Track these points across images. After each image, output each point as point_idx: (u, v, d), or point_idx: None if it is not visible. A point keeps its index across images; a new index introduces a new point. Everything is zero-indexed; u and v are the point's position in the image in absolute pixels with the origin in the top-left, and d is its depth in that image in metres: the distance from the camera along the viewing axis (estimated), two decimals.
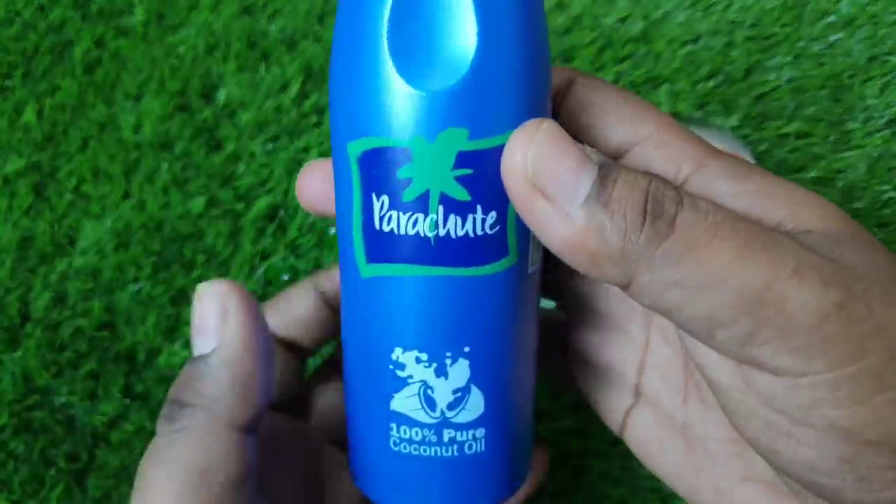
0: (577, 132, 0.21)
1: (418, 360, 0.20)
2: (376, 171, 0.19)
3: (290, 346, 0.25)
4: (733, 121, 0.45)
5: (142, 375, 0.39)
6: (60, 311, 0.40)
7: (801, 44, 0.48)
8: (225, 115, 0.46)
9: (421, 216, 0.19)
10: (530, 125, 0.18)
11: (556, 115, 0.22)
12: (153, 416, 0.39)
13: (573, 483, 0.38)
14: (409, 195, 0.19)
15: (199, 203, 0.43)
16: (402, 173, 0.19)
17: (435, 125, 0.18)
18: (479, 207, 0.19)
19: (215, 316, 0.20)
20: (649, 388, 0.23)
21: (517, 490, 0.23)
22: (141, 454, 0.38)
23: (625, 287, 0.18)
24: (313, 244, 0.42)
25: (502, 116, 0.19)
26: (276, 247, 0.42)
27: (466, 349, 0.20)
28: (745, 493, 0.21)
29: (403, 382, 0.21)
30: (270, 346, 0.21)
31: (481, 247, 0.19)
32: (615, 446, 0.38)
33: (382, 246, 0.20)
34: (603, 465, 0.38)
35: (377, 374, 0.21)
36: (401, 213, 0.19)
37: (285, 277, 0.41)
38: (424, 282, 0.20)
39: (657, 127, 0.21)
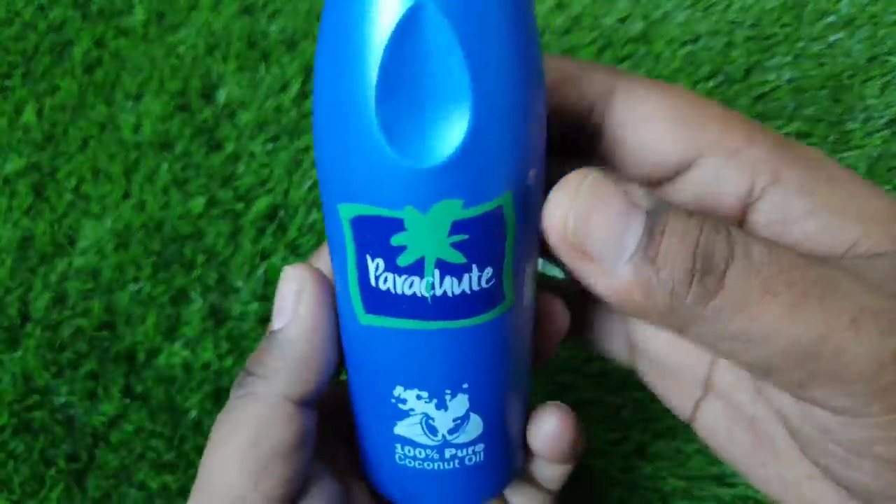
0: (629, 154, 0.20)
1: (419, 397, 0.21)
2: (370, 236, 0.18)
3: None
4: None
5: (141, 375, 0.39)
6: (60, 311, 0.40)
7: (801, 44, 0.48)
8: (225, 114, 0.46)
9: (417, 279, 0.19)
10: (573, 180, 0.17)
11: (598, 133, 0.21)
12: (153, 416, 0.39)
13: (573, 482, 0.38)
14: (403, 261, 0.18)
15: (199, 203, 0.43)
16: (395, 241, 0.18)
17: (428, 198, 0.18)
18: (474, 267, 0.19)
19: (292, 296, 0.21)
20: (721, 382, 0.23)
21: (512, 479, 0.25)
22: (141, 454, 0.38)
23: (677, 334, 0.18)
24: (313, 244, 0.42)
25: (498, 182, 0.18)
26: (276, 247, 0.42)
27: (465, 386, 0.21)
28: (813, 489, 0.21)
29: (406, 414, 0.21)
30: (336, 327, 0.21)
31: (477, 300, 0.19)
32: (615, 446, 0.38)
33: (379, 301, 0.19)
34: (603, 465, 0.38)
35: (381, 405, 0.22)
36: (396, 276, 0.19)
37: None
38: (423, 334, 0.20)
39: (722, 129, 0.19)
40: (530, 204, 0.19)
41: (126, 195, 0.43)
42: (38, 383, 0.39)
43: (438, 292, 0.19)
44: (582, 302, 0.26)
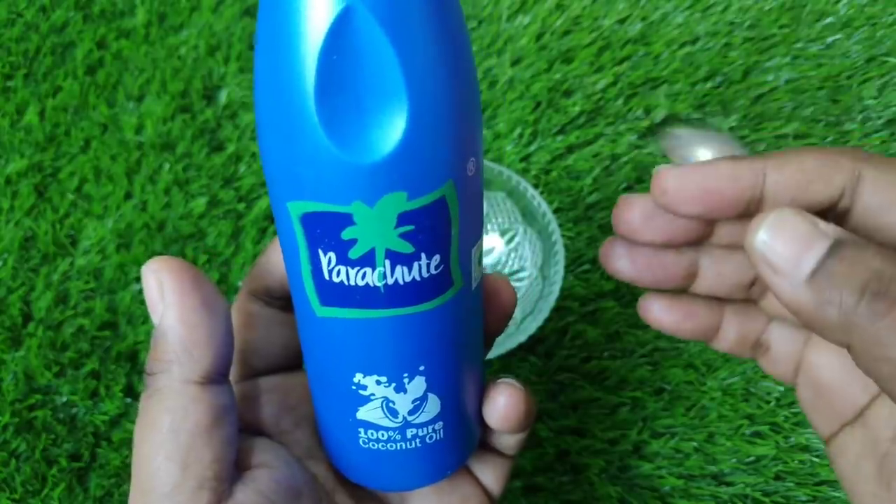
0: (876, 231, 0.22)
1: (378, 383, 0.22)
2: (320, 231, 0.19)
3: (288, 304, 0.26)
4: (732, 121, 0.46)
5: (143, 375, 0.39)
6: (62, 311, 0.41)
7: (799, 45, 0.48)
8: (226, 115, 0.46)
9: (369, 270, 0.19)
10: (774, 210, 0.19)
11: (845, 217, 0.22)
12: None
13: (572, 481, 0.38)
14: (354, 253, 0.19)
15: (200, 203, 0.43)
16: (345, 234, 0.19)
17: (374, 192, 0.18)
18: (423, 255, 0.19)
19: (155, 290, 0.22)
20: (875, 414, 0.24)
21: (473, 452, 0.26)
22: None
23: (846, 349, 0.19)
24: None
25: (439, 173, 0.19)
26: None
27: (422, 368, 0.22)
28: None
29: (366, 399, 0.22)
30: (215, 302, 0.22)
31: (428, 286, 0.20)
32: (614, 445, 0.38)
33: (334, 293, 0.20)
34: (602, 464, 0.38)
35: (341, 392, 0.22)
36: (349, 268, 0.19)
37: None
38: (377, 322, 0.20)
39: None
40: (471, 191, 0.20)
41: (128, 195, 0.43)
42: (40, 382, 0.39)
43: (390, 281, 0.19)
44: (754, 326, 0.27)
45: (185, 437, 0.21)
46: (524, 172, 0.44)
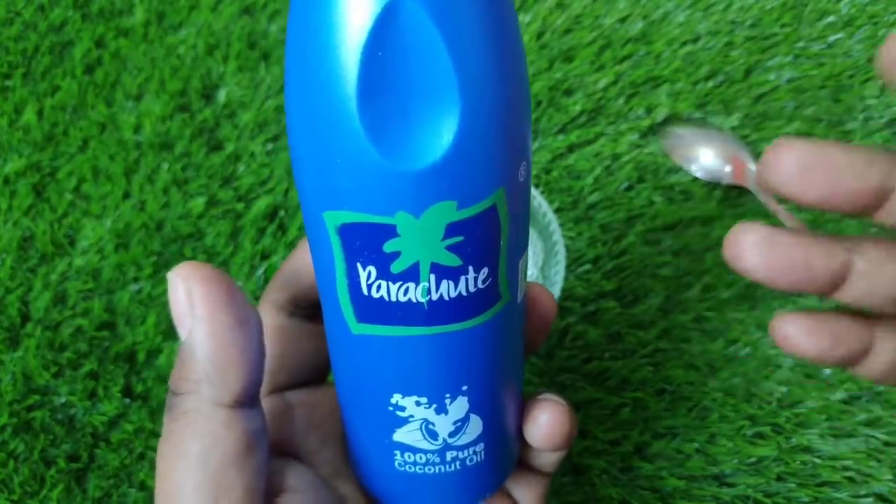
0: None
1: (418, 403, 0.20)
2: (360, 243, 0.18)
3: (314, 313, 0.25)
4: (733, 121, 0.45)
5: (142, 375, 0.39)
6: (60, 311, 0.40)
7: (801, 44, 0.48)
8: (225, 115, 0.46)
9: (412, 284, 0.18)
10: None
11: None
12: (153, 415, 0.39)
13: (573, 482, 0.38)
14: (397, 267, 0.18)
15: (199, 203, 0.43)
16: (388, 247, 0.17)
17: (421, 202, 0.17)
18: (470, 268, 0.18)
19: (184, 301, 0.20)
20: None
21: (511, 472, 0.24)
22: (141, 454, 0.38)
23: None
24: None
25: (491, 180, 0.17)
26: (276, 247, 0.42)
27: (465, 388, 0.20)
28: None
29: (404, 421, 0.21)
30: (248, 317, 0.20)
31: (475, 301, 0.19)
32: (615, 446, 0.38)
33: (372, 310, 0.19)
34: (603, 465, 0.38)
35: (378, 414, 0.21)
36: (390, 283, 0.18)
37: None
38: (419, 340, 0.19)
39: None
40: (521, 199, 0.18)
41: (126, 195, 0.43)
42: (38, 383, 0.39)
43: (435, 297, 0.18)
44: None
45: (215, 465, 0.19)
46: None
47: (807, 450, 0.38)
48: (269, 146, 0.45)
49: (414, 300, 0.18)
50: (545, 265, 0.40)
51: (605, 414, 0.39)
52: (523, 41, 0.18)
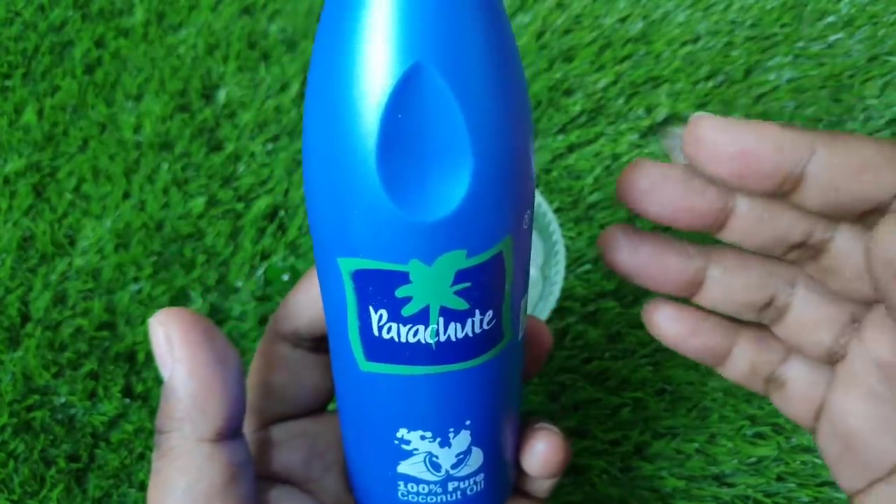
0: None
1: (423, 437, 0.21)
2: (373, 288, 0.19)
3: (318, 345, 0.25)
4: None
5: (142, 375, 0.39)
6: (60, 311, 0.40)
7: (801, 44, 0.48)
8: (225, 115, 0.46)
9: (421, 327, 0.19)
10: None
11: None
12: (153, 415, 0.39)
13: (573, 482, 0.38)
14: (409, 310, 0.19)
15: (199, 203, 0.43)
16: (400, 292, 0.18)
17: (433, 251, 0.18)
18: (477, 311, 0.19)
19: (163, 344, 0.21)
20: None
21: (506, 501, 0.25)
22: (141, 454, 0.38)
23: None
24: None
25: (499, 229, 0.18)
26: (276, 247, 0.42)
27: (468, 422, 0.21)
28: None
29: (409, 454, 0.22)
30: (227, 355, 0.21)
31: (480, 341, 0.20)
32: (615, 446, 0.38)
33: (382, 350, 0.20)
34: (603, 465, 0.38)
35: (383, 447, 0.22)
36: (401, 325, 0.19)
37: (285, 277, 0.41)
38: (425, 379, 0.20)
39: None
40: (524, 244, 0.20)
41: (126, 195, 0.43)
42: (38, 383, 0.39)
43: (443, 338, 0.19)
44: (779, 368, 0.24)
45: (201, 498, 0.20)
46: None
47: (807, 450, 0.38)
48: (269, 146, 0.45)
49: (423, 341, 0.19)
50: (545, 265, 0.40)
51: (605, 414, 0.39)
52: (524, 70, 0.19)
